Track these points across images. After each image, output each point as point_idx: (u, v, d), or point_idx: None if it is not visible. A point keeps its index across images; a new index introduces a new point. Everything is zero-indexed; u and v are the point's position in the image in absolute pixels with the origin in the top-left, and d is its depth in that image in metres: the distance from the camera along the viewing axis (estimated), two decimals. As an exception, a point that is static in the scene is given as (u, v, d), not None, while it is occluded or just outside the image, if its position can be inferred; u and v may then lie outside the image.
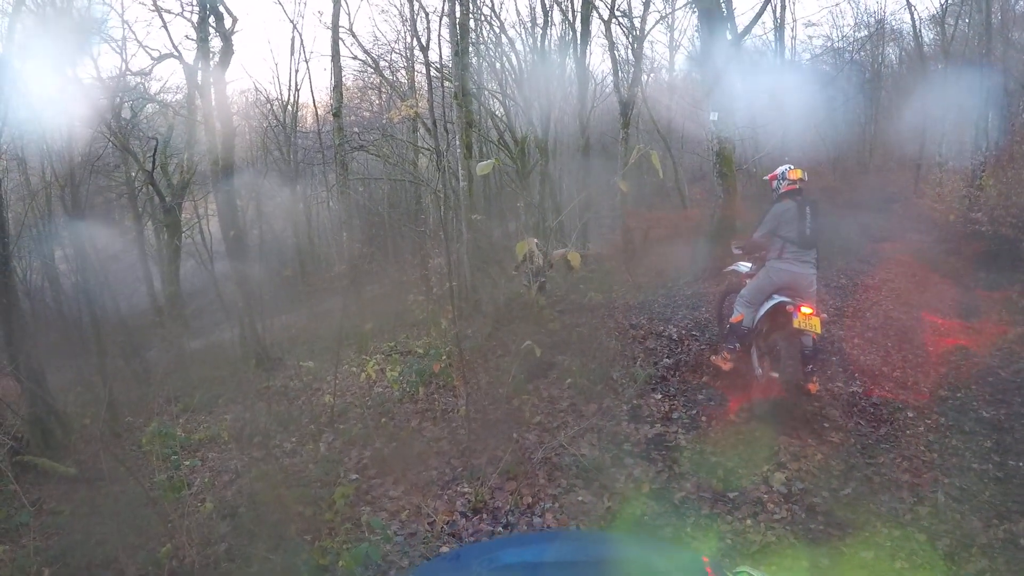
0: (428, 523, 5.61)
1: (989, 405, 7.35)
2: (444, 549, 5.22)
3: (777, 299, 7.04)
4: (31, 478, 7.96)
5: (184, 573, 5.16)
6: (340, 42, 15.07)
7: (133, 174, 21.96)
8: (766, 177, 7.74)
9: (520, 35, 22.38)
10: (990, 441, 6.55)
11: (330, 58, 14.81)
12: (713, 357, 7.85)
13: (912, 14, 22.70)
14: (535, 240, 4.76)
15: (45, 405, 9.45)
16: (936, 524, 5.17)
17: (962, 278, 11.44)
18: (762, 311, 7.21)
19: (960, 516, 5.29)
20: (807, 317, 6.69)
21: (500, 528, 5.44)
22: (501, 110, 20.98)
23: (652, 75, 25.40)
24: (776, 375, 6.85)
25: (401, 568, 5.03)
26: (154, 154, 19.50)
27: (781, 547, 4.98)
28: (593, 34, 21.12)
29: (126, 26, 29.24)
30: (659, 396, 7.50)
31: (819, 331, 6.80)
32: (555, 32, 21.80)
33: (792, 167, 7.29)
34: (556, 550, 3.06)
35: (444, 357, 8.02)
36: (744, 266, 7.99)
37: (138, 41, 36.02)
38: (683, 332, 9.20)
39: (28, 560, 5.29)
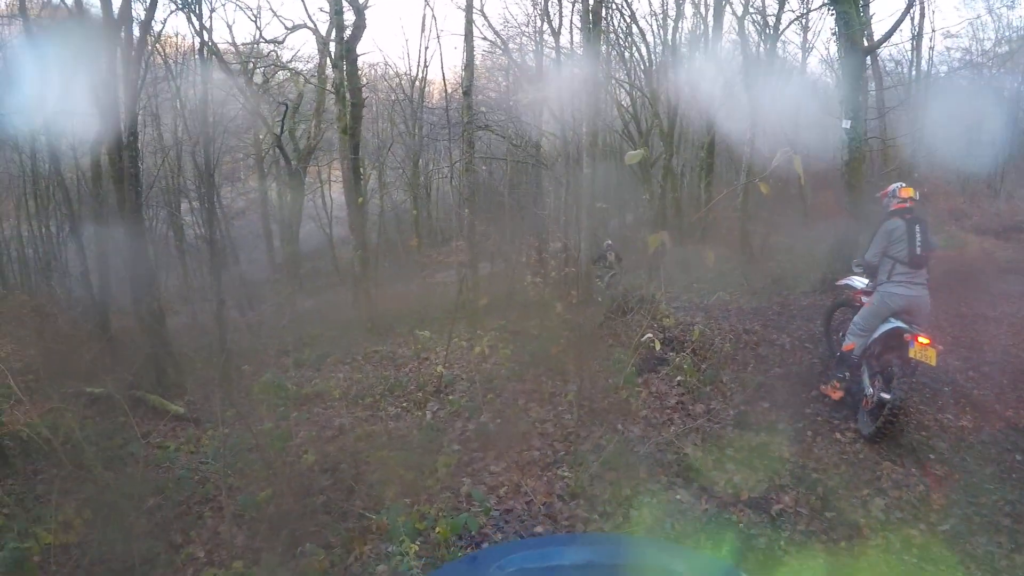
0: (526, 502, 5.67)
1: None
2: (539, 529, 5.28)
3: (894, 323, 6.85)
4: (142, 413, 8.28)
5: (281, 519, 5.27)
6: (472, 22, 15.11)
7: (261, 136, 22.67)
8: (878, 194, 7.62)
9: (651, 26, 22.15)
10: None
11: (463, 37, 14.94)
12: (823, 386, 7.68)
13: (1058, 30, 21.37)
14: (667, 233, 4.62)
15: (162, 346, 9.83)
16: None
17: (1091, 318, 10.83)
18: (878, 333, 7.02)
19: None
20: (923, 347, 6.52)
21: (595, 516, 5.45)
22: (627, 100, 20.84)
23: (783, 76, 24.82)
24: (887, 396, 6.61)
25: (495, 541, 5.02)
26: (283, 119, 20.09)
27: (870, 574, 4.87)
28: (725, 29, 20.69)
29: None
30: (767, 405, 7.42)
31: (934, 363, 6.61)
32: (686, 25, 21.54)
33: (904, 185, 7.14)
34: (574, 553, 3.00)
35: (560, 341, 7.99)
36: (859, 281, 7.81)
37: (272, 10, 37.11)
38: (796, 343, 9.05)
39: (134, 488, 5.46)
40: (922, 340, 6.50)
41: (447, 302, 10.95)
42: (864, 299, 7.40)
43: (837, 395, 7.38)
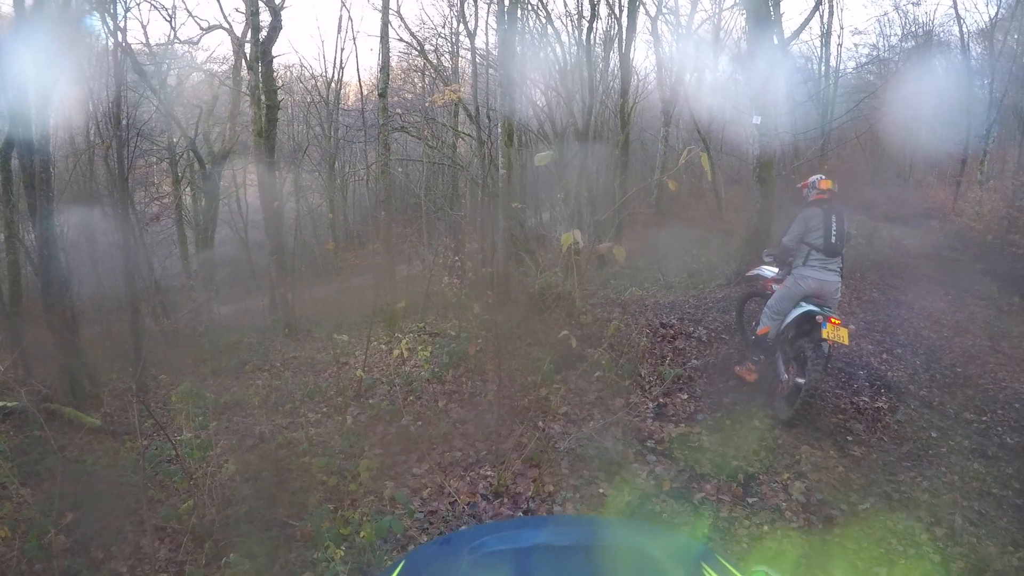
0: (450, 502, 5.67)
1: (1014, 431, 7.34)
2: (463, 529, 5.25)
3: (806, 307, 7.05)
4: (57, 426, 8.08)
5: (204, 530, 5.24)
6: (388, 24, 15.11)
7: (175, 139, 22.22)
8: (798, 185, 7.88)
9: (566, 27, 22.29)
10: (1012, 468, 6.54)
11: (378, 39, 14.94)
12: (737, 368, 7.86)
13: (961, 27, 22.17)
14: (579, 232, 4.75)
15: (76, 356, 9.61)
16: (951, 547, 5.17)
17: (996, 300, 11.35)
18: (790, 317, 7.23)
19: (976, 540, 5.28)
20: (835, 327, 6.74)
21: (520, 513, 5.48)
22: (543, 100, 20.99)
23: (696, 74, 25.27)
24: (802, 381, 6.81)
25: (419, 543, 5.07)
26: (197, 121, 19.75)
27: (796, 555, 4.99)
28: (639, 30, 20.99)
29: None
30: (685, 396, 7.53)
31: (847, 342, 6.85)
32: (601, 26, 21.71)
33: (823, 177, 7.40)
34: (547, 535, 3.01)
35: (479, 341, 8.05)
36: (768, 270, 8.04)
37: (188, 10, 36.42)
38: (712, 334, 9.19)
39: (51, 504, 5.37)
40: (834, 321, 6.74)
41: (365, 305, 10.92)
42: (775, 287, 7.61)
43: (752, 377, 7.58)
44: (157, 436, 7.13)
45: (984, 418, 7.57)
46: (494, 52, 16.96)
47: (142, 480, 5.83)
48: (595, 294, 10.95)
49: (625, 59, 19.08)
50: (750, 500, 5.68)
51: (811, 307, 7.00)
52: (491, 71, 18.16)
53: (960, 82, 21.43)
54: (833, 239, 7.04)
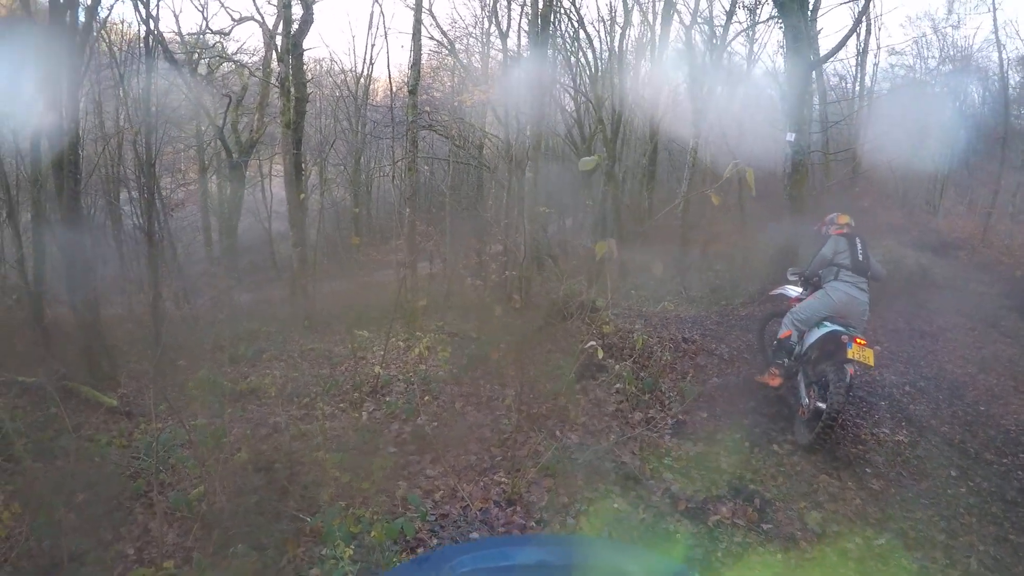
0: (462, 507, 5.60)
1: None
2: (474, 535, 5.21)
3: (830, 327, 7.04)
4: (74, 404, 8.09)
5: (213, 517, 5.20)
6: (420, 21, 15.08)
7: (204, 128, 22.34)
8: (815, 227, 8.14)
9: (598, 32, 22.25)
10: None
11: (410, 36, 14.78)
12: (759, 376, 7.83)
13: (1000, 53, 21.92)
14: (613, 241, 4.68)
15: (97, 337, 9.64)
16: None
17: (1022, 339, 11.17)
18: (814, 337, 7.20)
19: None
20: (861, 347, 6.72)
21: (532, 523, 5.41)
22: (572, 105, 20.93)
23: (728, 87, 25.15)
24: (823, 405, 6.73)
25: (431, 547, 5.02)
26: (226, 111, 19.83)
27: None
28: (672, 38, 20.91)
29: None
30: (705, 415, 7.45)
31: (872, 363, 6.83)
32: (633, 33, 21.66)
33: (839, 214, 7.71)
34: (528, 554, 2.99)
35: (500, 345, 7.99)
36: (792, 290, 8.09)
37: (220, 1, 36.59)
38: (734, 353, 9.13)
39: (64, 482, 5.36)
40: (859, 341, 6.72)
41: (386, 301, 10.86)
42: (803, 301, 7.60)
43: (776, 381, 7.54)
44: (172, 420, 7.09)
45: (1005, 460, 7.40)
46: (525, 54, 16.93)
47: (154, 463, 5.82)
48: (617, 304, 10.85)
49: (657, 67, 18.96)
50: (765, 526, 5.59)
51: (836, 327, 6.98)
52: (522, 73, 18.09)
53: (997, 110, 21.22)
54: (860, 258, 7.20)
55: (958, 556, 5.48)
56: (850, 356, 6.65)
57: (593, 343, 6.17)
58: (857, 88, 23.28)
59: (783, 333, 7.60)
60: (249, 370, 10.40)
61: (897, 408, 8.17)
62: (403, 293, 10.57)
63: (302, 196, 14.44)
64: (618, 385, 7.69)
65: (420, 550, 4.96)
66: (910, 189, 22.04)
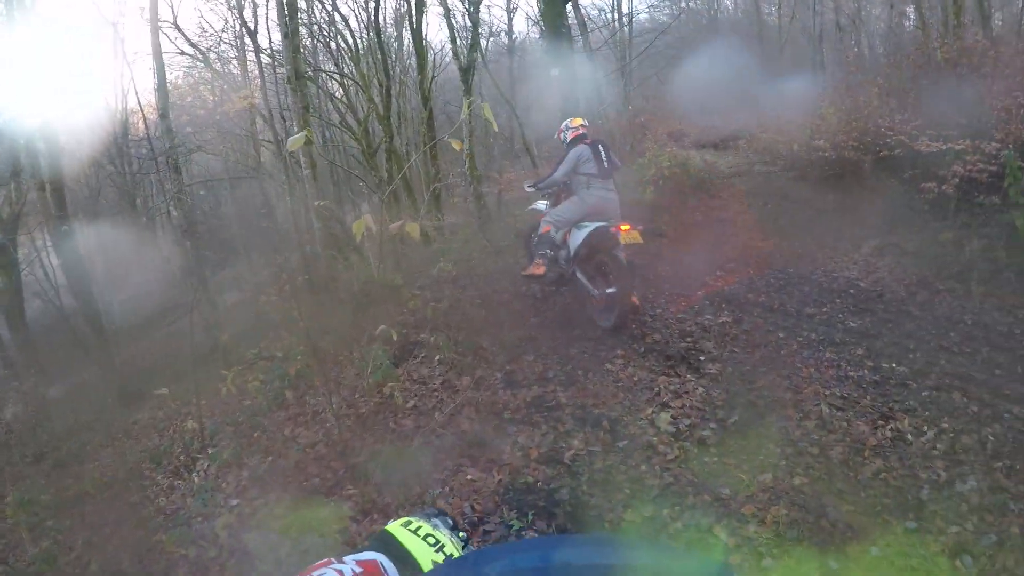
0: (319, 536, 5.21)
1: (854, 315, 7.71)
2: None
3: (592, 225, 7.55)
4: None
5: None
6: (161, 36, 14.19)
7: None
8: (555, 136, 8.74)
9: (354, 11, 21.69)
10: (861, 348, 6.82)
11: (150, 55, 13.89)
12: (524, 271, 8.22)
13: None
14: (370, 216, 4.42)
15: None
16: (825, 435, 5.33)
17: (812, 201, 11.67)
18: (580, 238, 7.63)
19: (847, 424, 5.47)
20: (628, 232, 7.34)
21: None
22: (340, 91, 20.39)
23: (492, 39, 25.19)
24: (612, 289, 7.19)
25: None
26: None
27: (680, 487, 4.92)
28: (428, 3, 20.65)
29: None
30: (531, 357, 7.28)
31: (641, 240, 7.42)
32: (390, 4, 21.24)
33: (573, 118, 8.43)
34: (564, 555, 2.74)
35: (299, 357, 7.60)
36: (541, 203, 8.66)
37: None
38: (547, 290, 9.04)
39: None
40: (624, 227, 7.32)
41: (191, 347, 10.20)
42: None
43: (540, 270, 7.90)
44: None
45: (824, 309, 7.89)
46: (280, 49, 16.22)
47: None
48: (421, 275, 10.56)
49: (417, 35, 18.62)
50: (620, 444, 5.55)
51: (598, 223, 7.50)
52: (280, 70, 17.39)
53: (749, 12, 22.28)
54: (605, 164, 7.77)
55: (809, 407, 5.75)
56: (622, 241, 7.29)
57: (383, 327, 5.95)
58: (616, 16, 23.96)
59: (544, 228, 8.06)
60: (78, 468, 9.52)
61: (713, 293, 8.51)
62: (197, 335, 9.94)
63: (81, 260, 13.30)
64: (438, 356, 7.47)
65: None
66: (682, 97, 22.81)
